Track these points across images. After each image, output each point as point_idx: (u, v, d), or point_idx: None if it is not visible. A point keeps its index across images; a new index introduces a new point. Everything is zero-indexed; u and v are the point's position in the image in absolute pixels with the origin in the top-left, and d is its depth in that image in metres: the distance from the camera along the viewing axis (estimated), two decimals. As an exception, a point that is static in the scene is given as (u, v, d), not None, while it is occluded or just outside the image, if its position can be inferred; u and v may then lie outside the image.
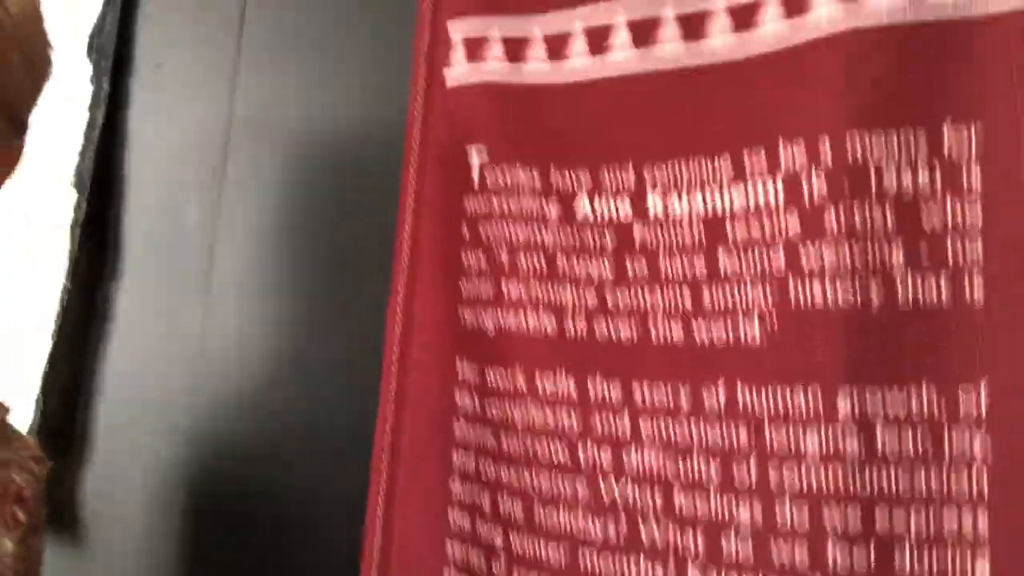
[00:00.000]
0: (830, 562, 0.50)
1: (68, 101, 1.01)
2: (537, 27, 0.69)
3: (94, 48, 1.00)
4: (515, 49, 0.70)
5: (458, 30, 0.73)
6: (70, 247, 0.96)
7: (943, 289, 0.52)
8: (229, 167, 0.87)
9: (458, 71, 0.72)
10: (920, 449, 0.50)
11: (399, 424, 0.69)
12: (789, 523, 0.52)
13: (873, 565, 0.50)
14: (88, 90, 1.00)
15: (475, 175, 0.69)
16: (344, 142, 0.80)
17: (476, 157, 0.69)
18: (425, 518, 0.67)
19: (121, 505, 0.88)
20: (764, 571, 0.52)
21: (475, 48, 0.72)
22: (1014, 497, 0.47)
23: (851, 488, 0.51)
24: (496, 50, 0.70)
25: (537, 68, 0.68)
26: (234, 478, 0.80)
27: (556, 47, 0.67)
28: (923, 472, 0.50)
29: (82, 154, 0.98)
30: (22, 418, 0.90)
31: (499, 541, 0.62)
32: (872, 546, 0.50)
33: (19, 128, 0.49)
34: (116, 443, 0.90)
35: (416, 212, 0.72)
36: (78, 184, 0.97)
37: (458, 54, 0.72)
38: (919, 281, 0.52)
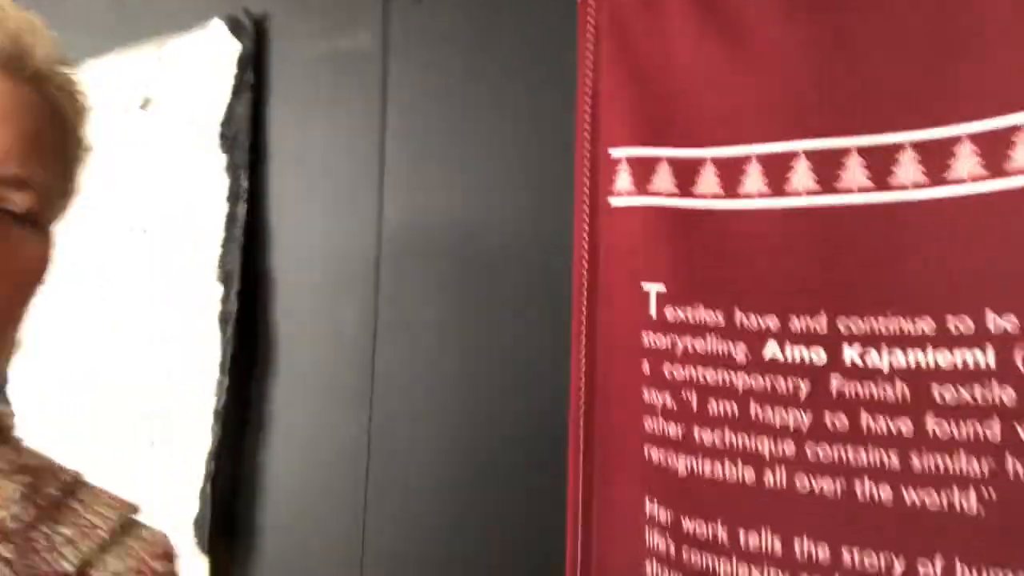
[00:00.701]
0: None
1: (203, 189, 1.02)
2: (709, 153, 0.67)
3: (225, 137, 1.01)
4: (684, 172, 0.69)
5: (622, 153, 0.71)
6: (222, 340, 0.98)
7: None
8: (382, 267, 0.88)
9: (623, 192, 0.71)
10: None
11: (587, 562, 0.71)
12: None
13: None
14: (222, 180, 1.01)
15: (652, 310, 0.69)
16: (500, 243, 0.80)
17: (654, 292, 0.68)
18: None
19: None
20: None
21: (641, 169, 0.70)
22: None
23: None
24: (664, 171, 0.69)
25: (709, 191, 0.67)
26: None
27: (729, 171, 0.66)
28: None
29: (224, 246, 1.00)
30: (178, 511, 0.95)
31: None
32: None
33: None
34: (284, 539, 0.94)
35: (590, 343, 0.72)
36: (223, 278, 0.99)
37: (623, 177, 0.71)
38: None
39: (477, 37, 0.84)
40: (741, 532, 0.63)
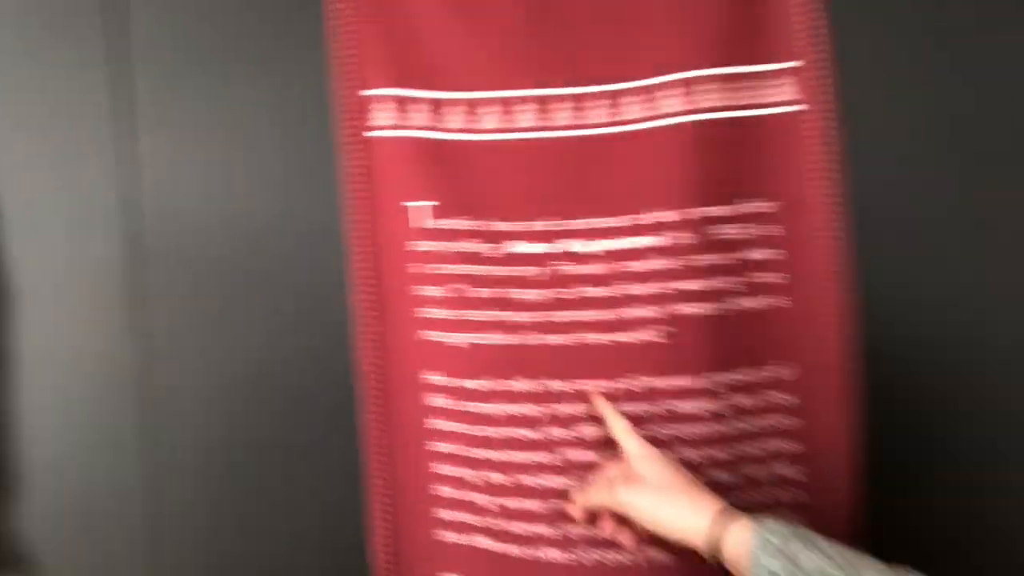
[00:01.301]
0: (713, 479, 0.80)
1: None
2: (454, 94, 0.86)
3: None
4: (436, 109, 0.86)
5: (379, 92, 0.86)
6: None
7: (764, 302, 0.83)
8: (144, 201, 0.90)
9: (384, 126, 0.86)
10: (764, 403, 0.82)
11: (379, 421, 0.85)
12: (689, 460, 0.81)
13: (730, 479, 0.81)
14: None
15: (420, 222, 0.85)
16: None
17: (419, 207, 0.85)
18: (413, 491, 0.84)
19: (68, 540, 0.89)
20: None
21: (399, 107, 0.86)
22: (813, 428, 0.81)
23: (721, 432, 0.81)
24: (419, 109, 0.86)
25: (456, 127, 0.86)
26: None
27: (472, 111, 0.85)
28: (758, 417, 0.82)
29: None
30: None
31: (486, 503, 0.83)
32: (735, 464, 0.81)
33: None
34: (48, 482, 0.90)
35: (363, 251, 0.86)
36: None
37: (380, 112, 0.86)
38: (752, 297, 0.83)
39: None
40: (505, 381, 0.82)
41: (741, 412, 0.82)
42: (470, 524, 0.83)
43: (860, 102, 0.83)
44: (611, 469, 0.78)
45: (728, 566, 0.64)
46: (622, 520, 0.76)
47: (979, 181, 0.84)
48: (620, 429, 0.77)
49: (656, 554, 0.80)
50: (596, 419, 0.82)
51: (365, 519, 0.86)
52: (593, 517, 0.79)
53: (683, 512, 0.68)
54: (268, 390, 0.88)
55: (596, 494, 0.77)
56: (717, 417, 0.82)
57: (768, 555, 0.59)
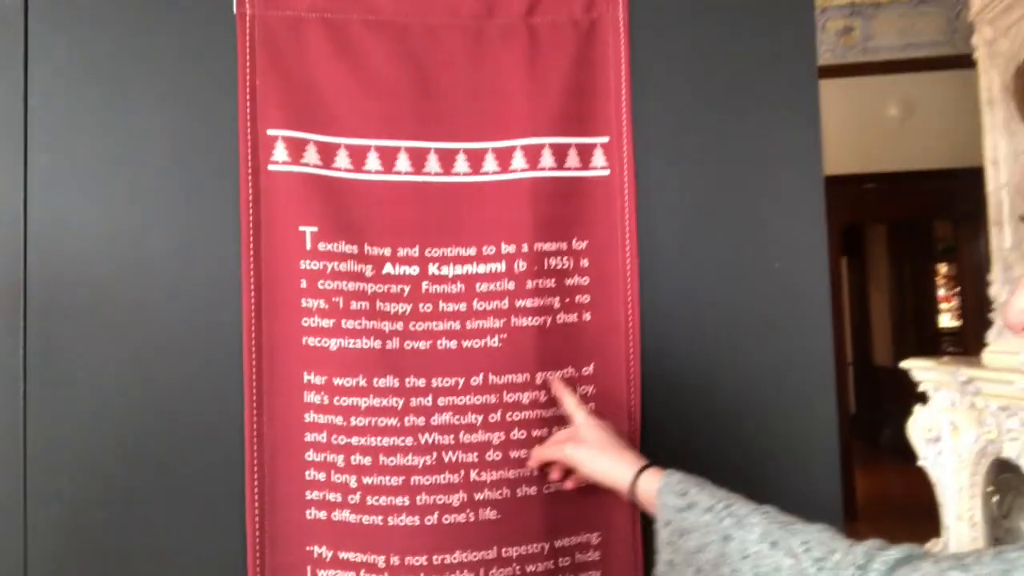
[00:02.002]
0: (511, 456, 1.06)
1: None
2: (343, 140, 1.04)
3: None
4: (326, 151, 1.04)
5: (278, 133, 1.03)
6: None
7: (574, 317, 1.10)
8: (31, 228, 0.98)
9: (281, 162, 1.02)
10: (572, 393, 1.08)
11: (261, 419, 1.01)
12: (518, 438, 1.05)
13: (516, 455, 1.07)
14: None
15: (308, 245, 1.02)
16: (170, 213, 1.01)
17: (309, 232, 1.02)
18: (288, 478, 1.02)
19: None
20: (508, 468, 1.04)
21: (293, 147, 1.03)
22: (605, 410, 1.09)
23: (542, 416, 1.07)
24: (311, 150, 1.03)
25: (343, 167, 1.04)
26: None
27: (357, 155, 1.04)
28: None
29: None
30: None
31: (353, 483, 1.02)
32: (543, 437, 1.07)
33: None
34: None
35: (256, 269, 1.02)
36: None
37: (279, 150, 1.02)
38: (566, 313, 1.09)
39: (132, 21, 1.01)
40: (374, 379, 1.02)
41: (555, 400, 1.08)
42: (335, 502, 1.02)
43: (651, 169, 1.12)
44: (562, 433, 1.02)
45: (642, 505, 0.90)
46: (568, 470, 1.00)
47: (739, 234, 1.14)
48: (571, 404, 1.01)
49: (488, 513, 1.04)
50: (447, 408, 1.04)
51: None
52: (545, 467, 1.02)
53: (614, 464, 0.93)
54: (157, 397, 1.01)
55: (550, 450, 1.00)
56: (539, 404, 1.07)
57: (669, 493, 0.85)
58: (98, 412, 0.98)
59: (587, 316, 1.09)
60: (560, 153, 1.08)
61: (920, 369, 3.17)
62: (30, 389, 0.97)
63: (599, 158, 1.10)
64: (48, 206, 0.98)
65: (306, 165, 1.01)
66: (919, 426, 3.15)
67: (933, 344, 6.64)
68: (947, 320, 7.39)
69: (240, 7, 1.02)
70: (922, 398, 3.19)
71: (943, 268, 7.52)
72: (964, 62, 3.45)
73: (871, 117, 4.53)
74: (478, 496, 1.02)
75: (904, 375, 3.26)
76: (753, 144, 1.14)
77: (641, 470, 0.93)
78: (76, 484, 0.98)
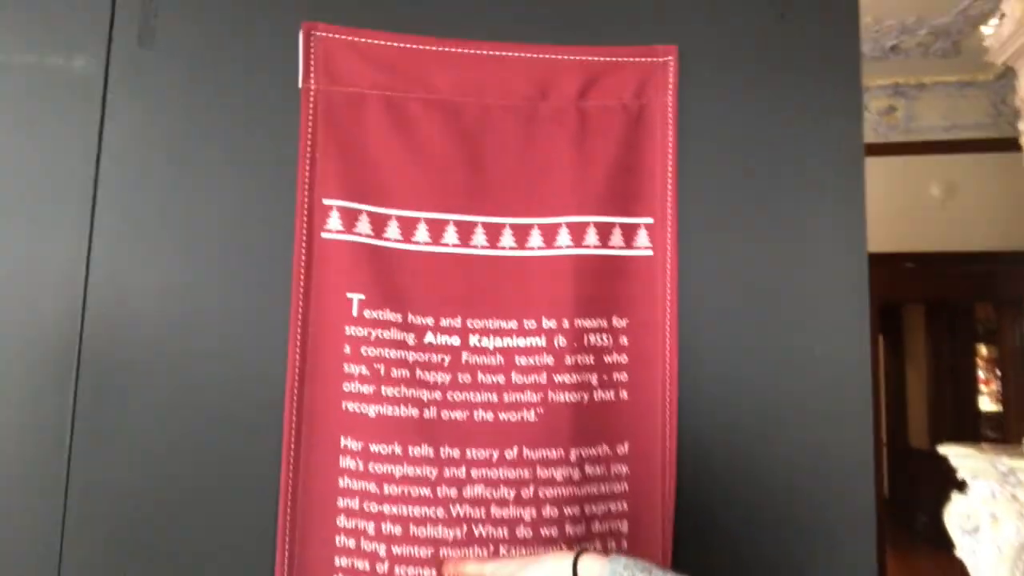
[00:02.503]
0: (567, 531, 1.05)
1: None
2: (394, 211, 1.07)
3: None
4: (377, 222, 1.07)
5: (333, 203, 1.06)
6: None
7: (611, 394, 1.10)
8: (91, 284, 1.02)
9: (334, 230, 1.05)
10: (606, 472, 1.08)
11: (296, 481, 1.02)
12: (549, 515, 1.05)
13: (583, 528, 1.06)
14: None
15: (355, 311, 1.04)
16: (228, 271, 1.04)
17: (356, 299, 1.04)
18: (319, 543, 1.02)
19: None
20: (537, 545, 1.04)
21: (347, 216, 1.06)
22: (639, 492, 1.08)
23: (574, 493, 1.06)
24: (364, 220, 1.06)
25: (393, 237, 1.07)
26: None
27: (407, 226, 1.07)
28: (606, 483, 1.08)
29: None
30: None
31: (383, 552, 1.02)
32: (584, 519, 1.06)
33: None
34: None
35: (303, 333, 1.04)
36: None
37: (334, 219, 1.06)
38: (603, 390, 1.09)
39: (205, 92, 1.06)
40: (409, 447, 1.03)
41: (589, 478, 1.07)
42: (363, 571, 1.01)
43: (694, 250, 1.13)
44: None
45: None
46: None
47: (780, 317, 1.14)
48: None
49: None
50: (480, 480, 1.04)
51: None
52: None
53: (547, 562, 0.80)
54: (198, 453, 1.02)
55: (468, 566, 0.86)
56: (572, 481, 1.06)
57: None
58: (138, 467, 1.00)
59: (624, 394, 1.09)
60: (604, 232, 1.09)
61: (958, 456, 3.09)
62: (76, 442, 0.99)
63: (643, 238, 1.11)
64: (109, 264, 1.02)
65: (358, 234, 1.04)
66: (956, 515, 3.04)
67: (972, 428, 6.45)
68: (986, 404, 7.19)
69: (305, 82, 1.07)
70: (960, 484, 3.09)
71: (983, 350, 7.35)
72: (1009, 145, 3.44)
73: (913, 196, 4.52)
74: (506, 573, 1.01)
75: (941, 459, 3.17)
76: (797, 228, 1.15)
77: (579, 552, 0.81)
78: (110, 539, 0.99)
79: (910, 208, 4.52)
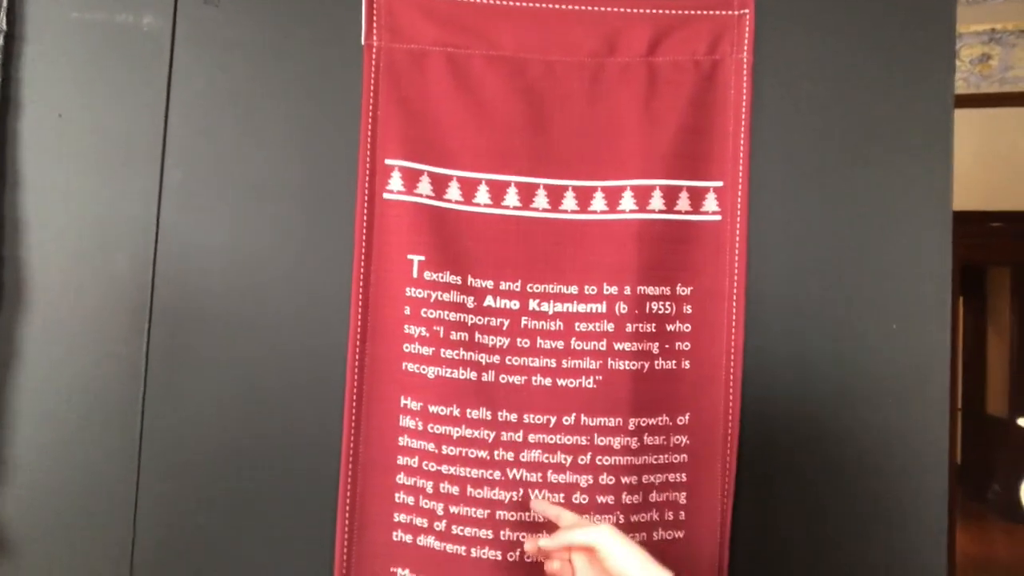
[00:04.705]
0: (623, 500, 1.04)
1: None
2: (455, 172, 1.05)
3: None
4: (438, 182, 1.06)
5: (394, 163, 1.05)
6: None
7: (673, 364, 1.07)
8: (162, 223, 1.04)
9: (395, 191, 1.05)
10: (665, 442, 1.06)
11: (358, 437, 1.04)
12: (606, 483, 1.04)
13: (639, 497, 1.05)
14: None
15: (415, 273, 1.04)
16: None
17: (416, 261, 1.04)
18: (379, 498, 1.04)
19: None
20: (593, 512, 1.03)
21: (408, 177, 1.05)
22: (699, 464, 1.06)
23: (632, 462, 1.05)
24: (425, 180, 1.05)
25: (453, 199, 1.05)
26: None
27: (468, 187, 1.05)
28: (664, 454, 1.07)
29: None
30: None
31: (440, 511, 1.03)
32: (641, 489, 1.05)
33: None
34: (38, 474, 1.02)
35: (365, 293, 1.04)
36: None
37: (395, 180, 1.05)
38: (664, 359, 1.07)
39: (269, 50, 1.06)
40: (467, 410, 1.03)
41: (647, 448, 1.06)
42: (421, 527, 1.03)
43: (765, 216, 1.08)
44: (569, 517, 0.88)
45: None
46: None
47: (855, 289, 1.09)
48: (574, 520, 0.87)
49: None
50: (537, 445, 1.04)
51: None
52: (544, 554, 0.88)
53: (649, 567, 0.78)
54: (264, 406, 1.05)
55: (579, 532, 0.82)
56: (630, 450, 1.05)
57: None
58: (208, 417, 1.03)
59: (686, 364, 1.07)
60: (671, 196, 1.06)
61: (1040, 428, 2.95)
62: (148, 394, 1.03)
63: (711, 203, 1.07)
64: (178, 219, 1.03)
65: (419, 195, 1.03)
66: (1033, 488, 2.93)
67: (1055, 397, 6.16)
68: (1073, 371, 6.83)
69: (368, 39, 1.05)
70: (1039, 458, 2.97)
71: (1073, 316, 6.96)
72: (1115, 100, 3.18)
73: (1003, 152, 4.25)
74: (562, 538, 1.01)
75: (1019, 429, 3.04)
76: (877, 195, 1.09)
77: None
78: (183, 481, 1.03)
79: (1000, 164, 4.26)
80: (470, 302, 1.04)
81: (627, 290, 1.04)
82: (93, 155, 1.03)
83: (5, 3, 1.01)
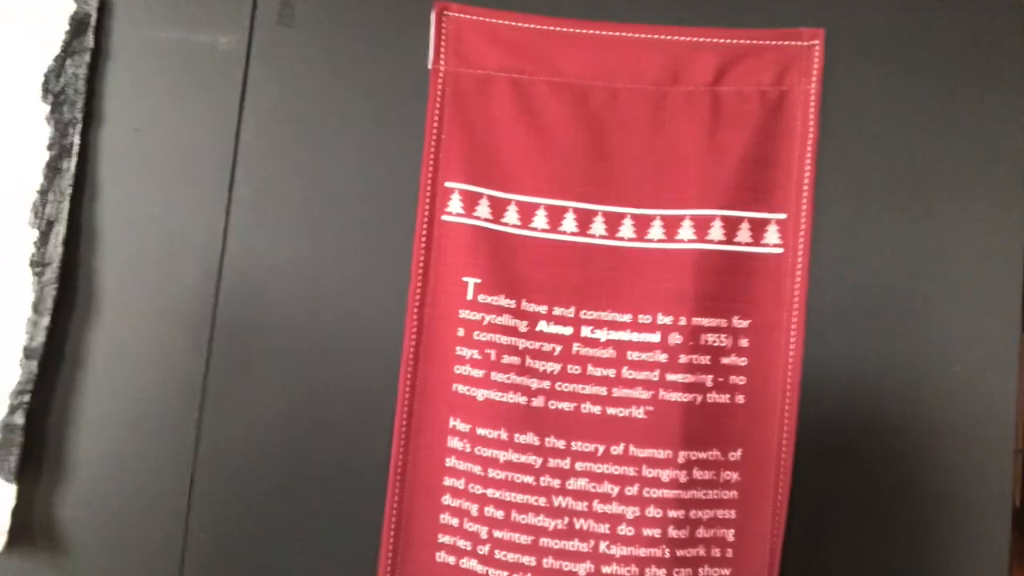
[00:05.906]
0: (670, 534, 1.02)
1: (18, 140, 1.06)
2: (514, 196, 1.06)
3: (48, 91, 1.06)
4: (497, 206, 1.06)
5: (455, 185, 1.06)
6: (35, 283, 1.05)
7: (726, 398, 1.05)
8: (229, 237, 1.07)
9: (455, 213, 1.06)
10: (715, 478, 1.04)
11: (407, 456, 1.04)
12: (653, 515, 1.02)
13: (686, 532, 1.03)
14: (40, 130, 1.06)
15: (469, 295, 1.05)
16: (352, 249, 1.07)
17: (472, 283, 1.05)
18: (424, 518, 1.05)
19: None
20: (639, 545, 1.02)
21: (468, 200, 1.06)
22: (749, 501, 1.04)
23: (680, 496, 1.04)
24: (484, 204, 1.06)
25: (511, 222, 1.06)
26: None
27: (526, 212, 1.06)
28: (714, 490, 1.05)
29: (44, 195, 1.06)
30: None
31: (484, 534, 1.03)
32: (688, 523, 1.03)
33: None
34: (100, 472, 1.06)
35: (420, 313, 1.05)
36: (42, 225, 1.05)
37: (455, 202, 1.06)
38: (718, 393, 1.05)
39: (338, 71, 1.08)
40: (515, 434, 1.03)
41: (696, 482, 1.04)
42: (465, 549, 1.03)
43: (827, 251, 1.06)
44: None
45: None
46: None
47: (917, 328, 1.06)
48: None
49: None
50: (584, 473, 1.03)
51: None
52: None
53: None
54: (316, 421, 1.06)
55: None
56: (678, 483, 1.04)
57: None
58: (261, 430, 1.06)
59: (740, 398, 1.05)
60: (731, 226, 1.04)
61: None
62: (207, 405, 1.05)
63: (772, 235, 1.05)
64: (243, 236, 1.06)
65: (477, 218, 1.04)
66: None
67: None
68: None
69: (435, 63, 1.07)
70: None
71: None
72: None
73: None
74: (605, 569, 1.00)
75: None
76: (944, 234, 1.05)
77: None
78: (234, 491, 1.05)
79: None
80: (523, 326, 1.04)
81: (682, 320, 1.03)
82: (166, 169, 1.07)
83: (94, 22, 1.06)
